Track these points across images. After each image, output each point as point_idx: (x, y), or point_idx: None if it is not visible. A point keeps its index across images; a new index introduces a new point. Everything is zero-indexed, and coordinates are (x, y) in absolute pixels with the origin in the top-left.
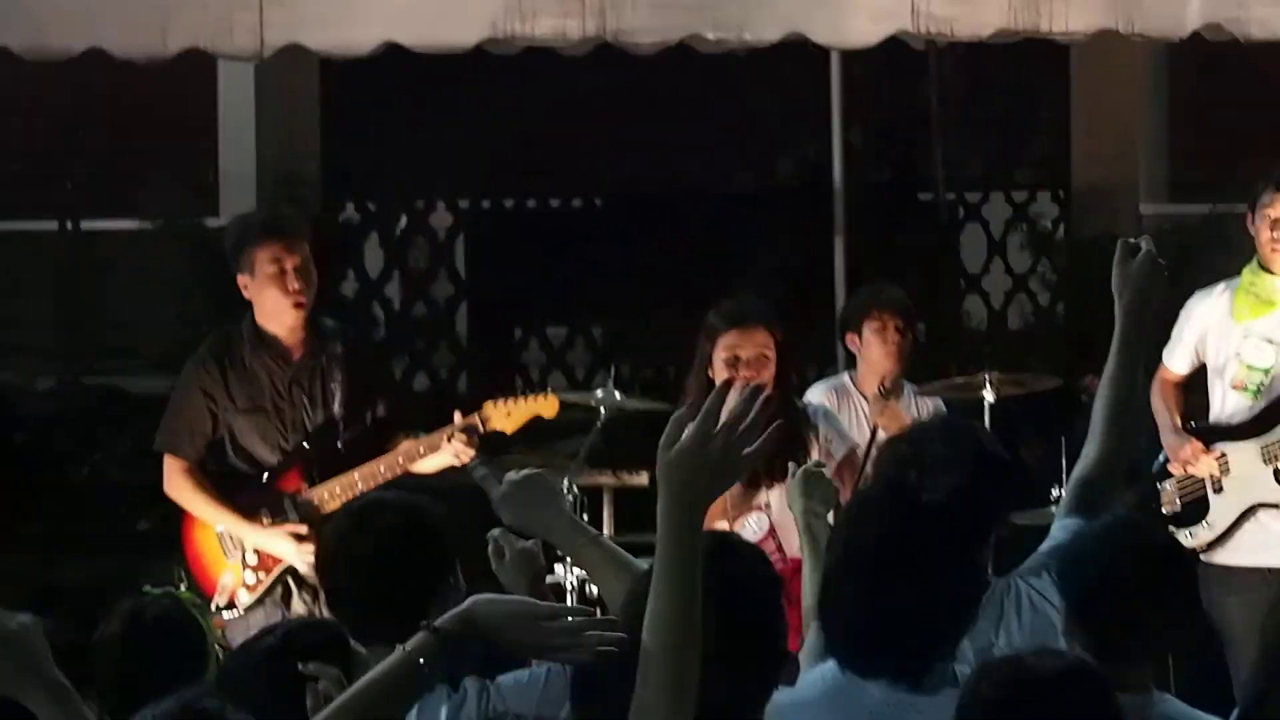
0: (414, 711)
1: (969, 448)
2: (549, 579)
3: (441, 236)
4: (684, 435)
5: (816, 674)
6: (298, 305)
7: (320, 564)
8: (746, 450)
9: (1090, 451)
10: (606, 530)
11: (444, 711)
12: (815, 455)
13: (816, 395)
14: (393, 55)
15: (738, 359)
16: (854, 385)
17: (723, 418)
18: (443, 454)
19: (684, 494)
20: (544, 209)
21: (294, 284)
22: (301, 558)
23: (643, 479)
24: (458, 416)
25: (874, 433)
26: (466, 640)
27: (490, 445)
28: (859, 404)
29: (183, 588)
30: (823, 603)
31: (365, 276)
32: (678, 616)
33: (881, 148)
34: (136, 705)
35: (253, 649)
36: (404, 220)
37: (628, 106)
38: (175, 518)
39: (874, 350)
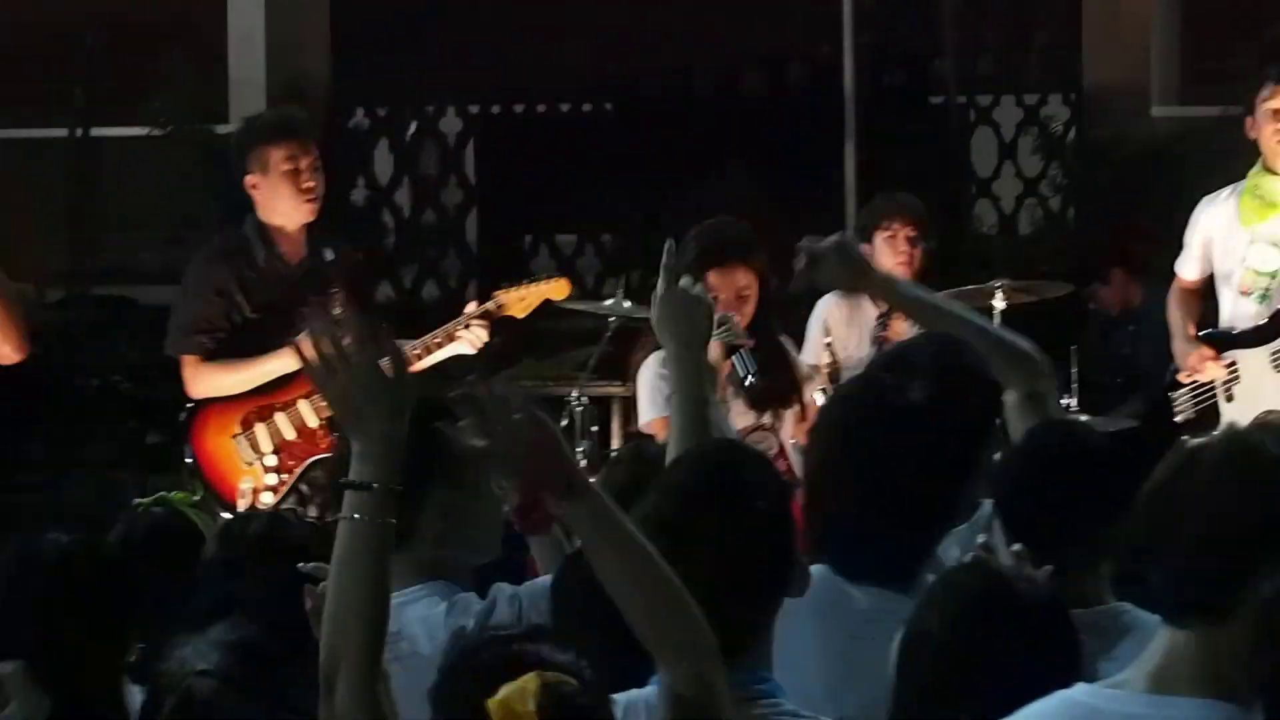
0: (443, 621)
1: (952, 360)
2: None
3: (451, 142)
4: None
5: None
6: (310, 202)
7: None
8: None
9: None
10: (615, 441)
11: (472, 622)
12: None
13: (826, 304)
14: None
15: (715, 299)
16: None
17: None
18: (459, 342)
19: (677, 336)
20: (554, 114)
21: (307, 181)
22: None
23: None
24: (472, 305)
25: (881, 343)
26: (390, 469)
27: (502, 328)
28: (870, 312)
29: (179, 494)
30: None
31: (375, 183)
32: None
33: (892, 51)
34: (147, 617)
35: (236, 541)
36: (413, 126)
37: (638, 9)
38: (186, 430)
39: (885, 258)
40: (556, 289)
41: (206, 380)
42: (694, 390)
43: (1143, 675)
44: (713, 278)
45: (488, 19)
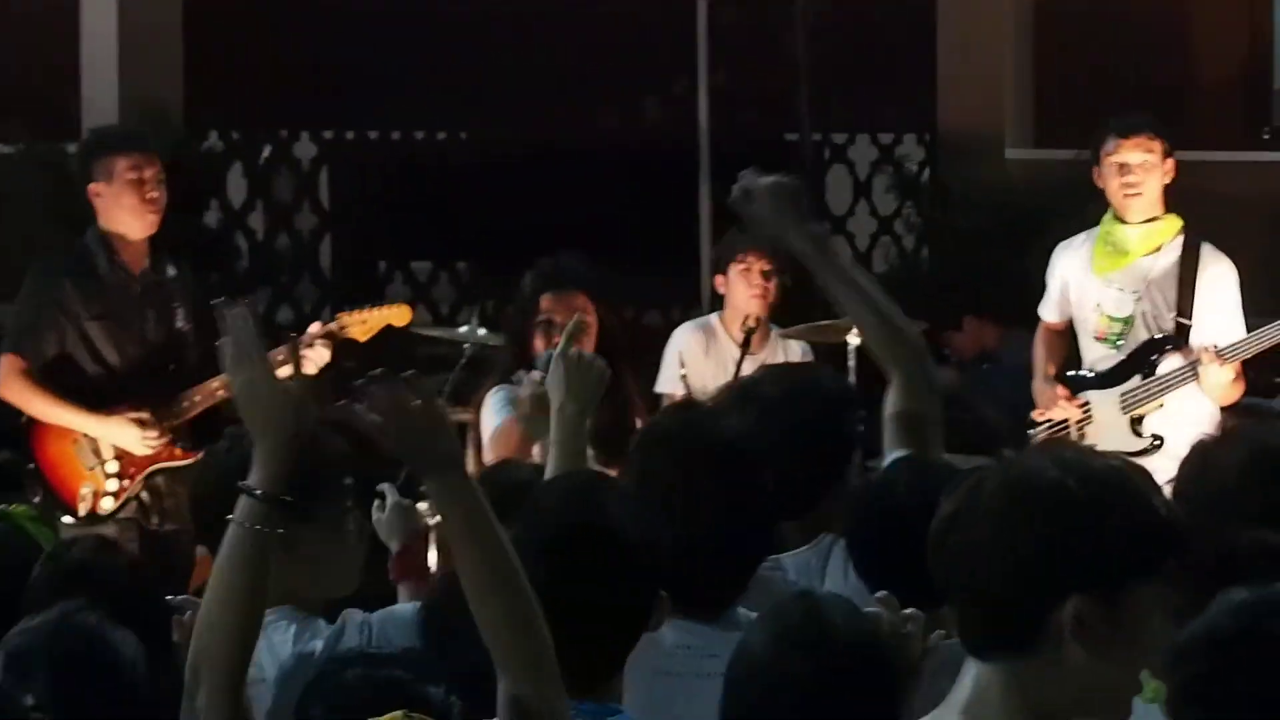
0: (289, 645)
1: (770, 399)
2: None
3: (305, 167)
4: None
5: None
6: (153, 213)
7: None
8: None
9: (892, 385)
10: (469, 466)
11: (319, 645)
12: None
13: (682, 335)
14: None
15: (551, 323)
16: (721, 326)
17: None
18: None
19: (569, 393)
20: (408, 141)
21: (151, 192)
22: (143, 443)
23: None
24: (315, 326)
25: (737, 371)
26: (284, 481)
27: (343, 353)
28: (726, 345)
29: (19, 507)
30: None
31: (229, 206)
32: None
33: (747, 88)
34: None
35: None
36: (267, 150)
37: (494, 40)
38: (26, 433)
39: (739, 292)
40: (398, 314)
41: (17, 390)
42: (574, 445)
43: (954, 712)
44: (546, 302)
45: (343, 45)
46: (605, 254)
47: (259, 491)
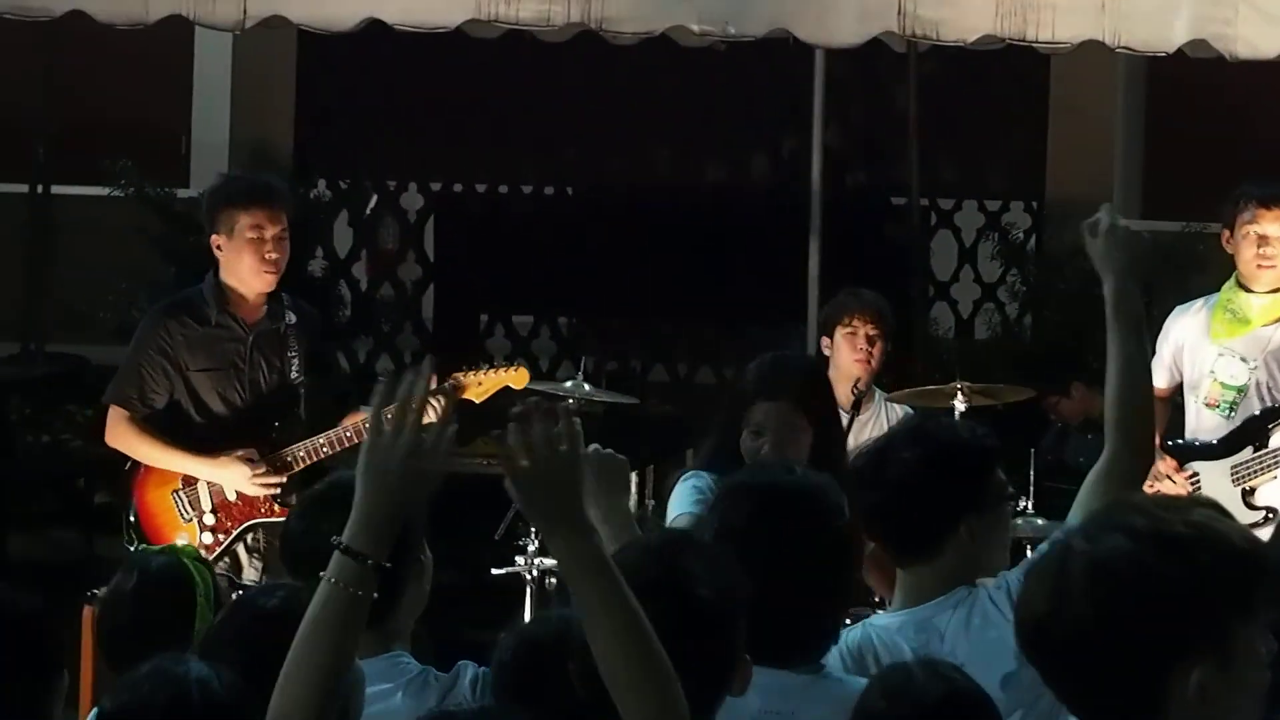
0: (401, 694)
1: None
2: (504, 570)
3: (412, 218)
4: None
5: None
6: (270, 273)
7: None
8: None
9: (1105, 450)
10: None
11: (433, 694)
12: None
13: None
14: (372, 32)
15: (760, 433)
16: None
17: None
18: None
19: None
20: (515, 195)
21: (272, 253)
22: (252, 483)
23: None
24: (433, 381)
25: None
26: (385, 546)
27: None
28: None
29: (187, 545)
30: None
31: (333, 254)
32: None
33: (858, 149)
34: (136, 658)
35: (249, 608)
36: (374, 200)
37: (606, 95)
38: (129, 480)
39: (844, 355)
40: (516, 378)
41: (121, 437)
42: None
43: None
44: (759, 413)
45: (454, 97)
46: (710, 311)
47: (368, 558)
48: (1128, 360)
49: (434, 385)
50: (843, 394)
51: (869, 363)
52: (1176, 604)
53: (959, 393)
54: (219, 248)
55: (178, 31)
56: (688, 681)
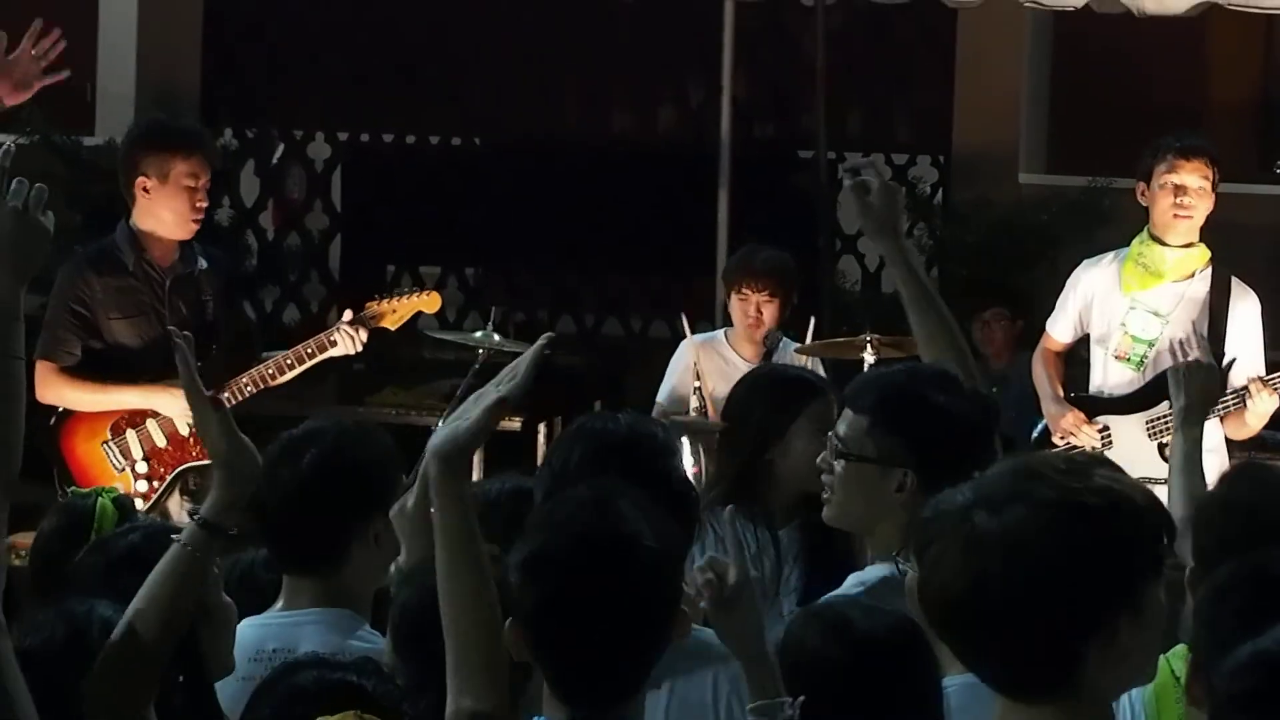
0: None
1: None
2: None
3: (319, 167)
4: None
5: None
6: (196, 221)
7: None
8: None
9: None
10: (476, 474)
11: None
12: None
13: (688, 350)
14: None
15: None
16: (727, 341)
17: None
18: (337, 348)
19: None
20: (423, 145)
21: (202, 201)
22: (185, 415)
23: (515, 423)
24: (347, 313)
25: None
26: (229, 522)
27: (374, 340)
28: (734, 359)
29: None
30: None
31: (240, 204)
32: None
33: (767, 102)
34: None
35: (109, 547)
36: (281, 149)
37: (514, 46)
38: (54, 436)
39: (738, 317)
40: (428, 302)
41: (55, 390)
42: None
43: None
44: None
45: (359, 47)
46: (618, 262)
47: (204, 520)
48: (930, 300)
49: (350, 317)
50: (747, 349)
51: (759, 328)
52: (1095, 573)
53: (868, 345)
54: (146, 190)
55: None
56: (632, 635)
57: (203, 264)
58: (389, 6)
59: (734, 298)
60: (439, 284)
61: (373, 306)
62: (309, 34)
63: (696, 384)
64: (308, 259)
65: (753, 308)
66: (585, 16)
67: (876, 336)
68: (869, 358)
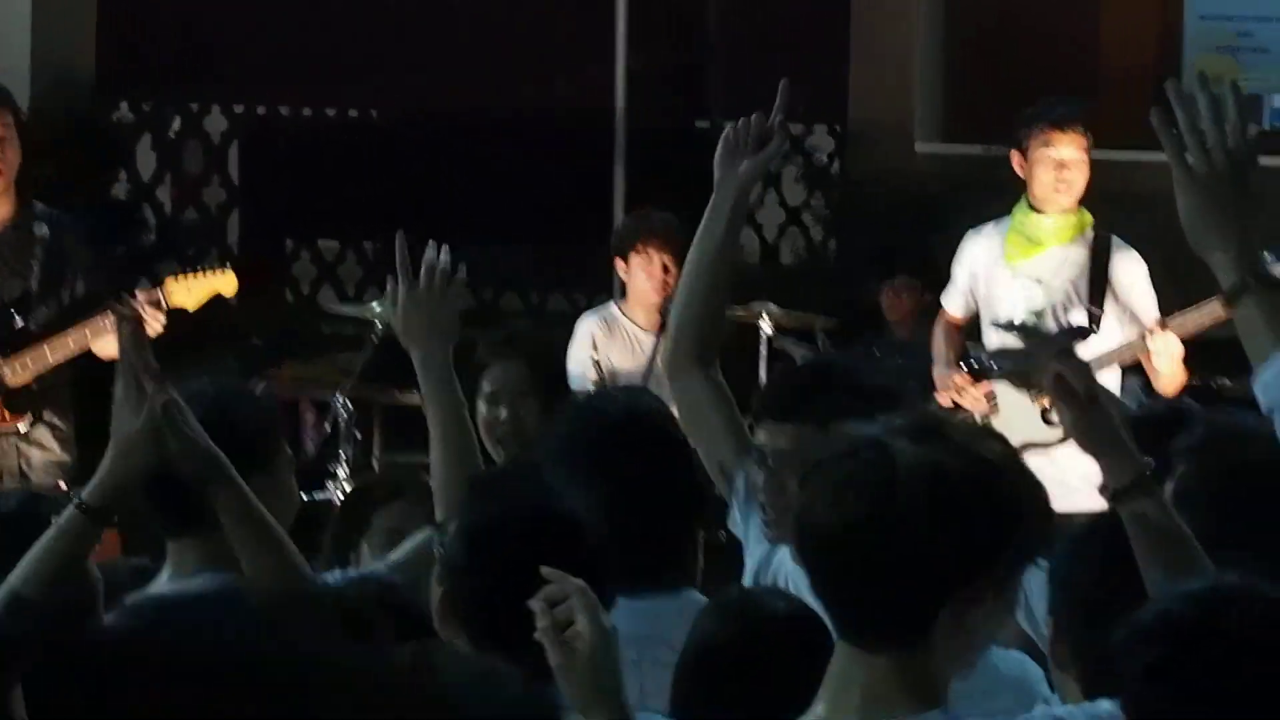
0: None
1: None
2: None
3: (216, 141)
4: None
5: None
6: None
7: None
8: None
9: None
10: (375, 448)
11: None
12: None
13: (586, 325)
14: None
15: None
16: (623, 314)
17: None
18: (99, 344)
19: (431, 334)
20: (320, 119)
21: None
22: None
23: (414, 398)
24: (142, 292)
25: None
26: (113, 506)
27: (175, 321)
28: (631, 332)
29: None
30: None
31: (137, 178)
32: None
33: (662, 73)
34: None
35: None
36: (178, 122)
37: (411, 20)
38: None
39: (640, 280)
40: (225, 283)
41: None
42: (451, 392)
43: (851, 707)
44: None
45: (255, 19)
46: (515, 236)
47: (86, 505)
48: (721, 264)
49: (149, 297)
50: (643, 317)
51: (665, 290)
52: (980, 540)
53: (764, 315)
54: None
55: None
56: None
57: (43, 229)
58: None
59: (634, 260)
60: (338, 258)
61: (168, 283)
62: (205, 7)
63: (594, 355)
64: (206, 233)
65: (658, 267)
66: None
67: (774, 306)
68: (766, 329)
